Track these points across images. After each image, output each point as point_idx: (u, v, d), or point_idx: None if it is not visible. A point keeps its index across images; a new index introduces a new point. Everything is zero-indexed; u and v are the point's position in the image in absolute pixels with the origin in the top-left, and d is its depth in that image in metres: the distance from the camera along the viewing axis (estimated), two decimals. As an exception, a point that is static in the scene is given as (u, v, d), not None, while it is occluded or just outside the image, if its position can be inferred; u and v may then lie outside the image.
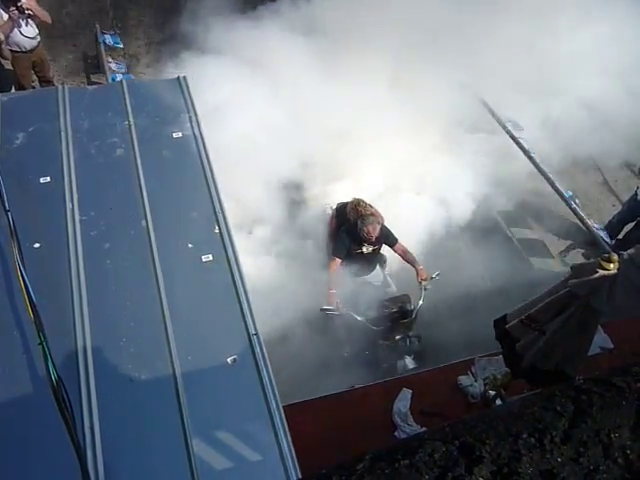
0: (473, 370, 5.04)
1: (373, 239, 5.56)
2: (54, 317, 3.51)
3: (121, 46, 8.87)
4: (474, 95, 7.55)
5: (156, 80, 5.40)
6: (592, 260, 3.61)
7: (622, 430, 1.08)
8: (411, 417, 4.68)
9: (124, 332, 3.59)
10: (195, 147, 4.67)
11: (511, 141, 7.32)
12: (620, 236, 7.12)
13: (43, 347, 3.05)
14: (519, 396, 3.70)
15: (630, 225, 7.09)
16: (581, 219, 6.85)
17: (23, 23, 7.50)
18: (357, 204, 5.67)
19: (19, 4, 7.32)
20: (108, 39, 8.70)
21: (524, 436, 1.08)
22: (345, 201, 5.99)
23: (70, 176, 4.35)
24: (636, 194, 6.94)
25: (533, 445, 1.06)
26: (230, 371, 3.49)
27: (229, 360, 3.52)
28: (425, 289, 5.53)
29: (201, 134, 4.76)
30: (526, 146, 7.19)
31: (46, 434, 3.08)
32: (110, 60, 8.44)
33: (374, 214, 5.57)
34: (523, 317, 3.86)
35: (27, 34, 7.59)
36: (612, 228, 7.10)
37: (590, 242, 7.04)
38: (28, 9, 7.40)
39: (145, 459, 3.13)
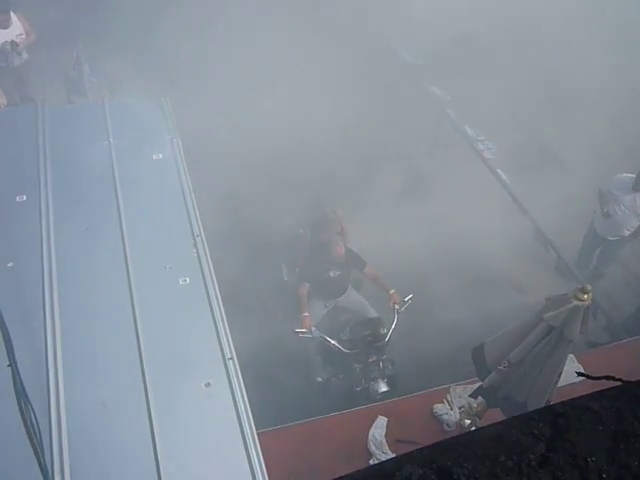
0: (449, 398, 5.04)
1: (342, 257, 5.58)
2: (25, 338, 3.45)
3: (95, 80, 8.80)
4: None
5: (138, 101, 5.39)
6: (565, 292, 3.66)
7: (599, 454, 1.09)
8: (386, 445, 4.66)
9: (97, 355, 3.54)
10: (175, 169, 4.67)
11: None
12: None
13: (12, 369, 2.98)
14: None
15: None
16: (555, 251, 6.95)
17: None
18: (330, 217, 5.84)
19: (12, 39, 7.19)
20: (87, 68, 8.63)
21: (502, 459, 1.08)
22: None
23: (47, 195, 4.31)
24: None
25: (511, 469, 1.06)
26: (204, 395, 3.45)
27: (203, 384, 3.48)
28: (398, 312, 5.54)
29: (182, 156, 4.75)
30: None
31: (14, 458, 3.00)
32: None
33: (341, 232, 5.71)
34: (503, 365, 3.88)
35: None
36: (581, 260, 7.22)
37: (562, 273, 7.11)
38: (18, 43, 7.30)
39: (115, 485, 3.06)
